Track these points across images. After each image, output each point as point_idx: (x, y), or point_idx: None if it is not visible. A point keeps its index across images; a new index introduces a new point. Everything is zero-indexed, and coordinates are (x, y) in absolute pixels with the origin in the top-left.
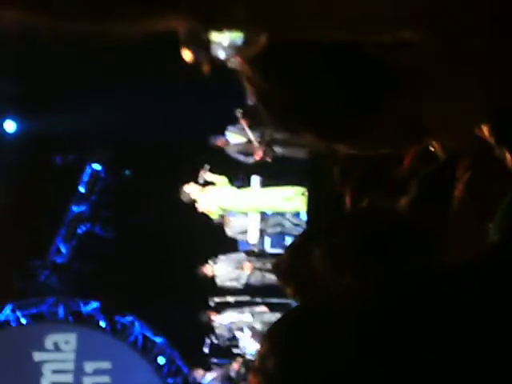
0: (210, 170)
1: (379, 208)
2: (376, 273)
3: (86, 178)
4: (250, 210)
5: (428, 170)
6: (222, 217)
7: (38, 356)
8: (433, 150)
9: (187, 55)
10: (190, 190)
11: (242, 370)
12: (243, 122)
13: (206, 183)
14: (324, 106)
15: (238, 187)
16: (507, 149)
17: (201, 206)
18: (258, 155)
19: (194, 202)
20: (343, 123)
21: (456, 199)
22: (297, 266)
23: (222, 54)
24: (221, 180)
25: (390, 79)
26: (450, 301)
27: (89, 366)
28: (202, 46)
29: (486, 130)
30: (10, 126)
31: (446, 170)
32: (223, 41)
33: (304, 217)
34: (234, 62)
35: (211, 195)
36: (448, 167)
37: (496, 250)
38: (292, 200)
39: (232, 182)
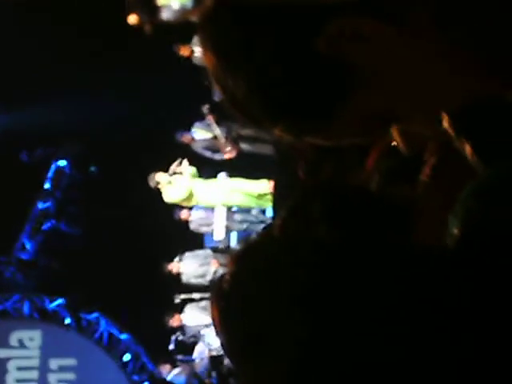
0: (180, 163)
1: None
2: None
3: (51, 174)
4: (217, 204)
5: (391, 162)
6: (188, 210)
7: (2, 353)
8: (395, 145)
9: (133, 19)
10: (159, 178)
11: (208, 367)
12: (210, 118)
13: (175, 173)
14: (287, 101)
15: (206, 178)
16: (467, 141)
17: (168, 196)
18: (225, 151)
19: (160, 191)
20: (307, 118)
21: (421, 183)
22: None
23: (169, 16)
24: (190, 171)
25: (346, 76)
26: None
27: (54, 363)
28: (148, 9)
29: (446, 121)
30: None
31: (410, 161)
32: (173, 4)
33: (270, 213)
34: (200, 58)
35: (179, 185)
36: (412, 160)
37: (455, 250)
38: (258, 196)
39: (200, 174)
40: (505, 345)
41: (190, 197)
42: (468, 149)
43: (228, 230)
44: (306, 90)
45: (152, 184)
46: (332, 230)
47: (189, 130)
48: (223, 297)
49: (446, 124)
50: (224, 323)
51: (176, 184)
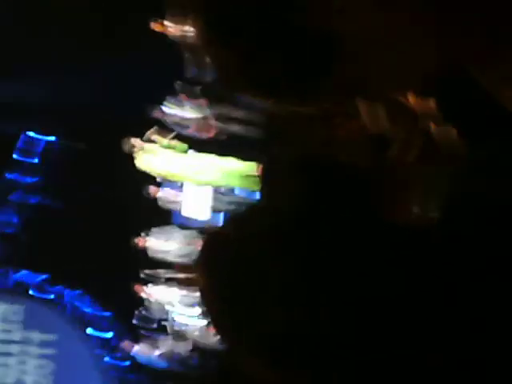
0: (156, 132)
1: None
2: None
3: (36, 148)
4: (187, 180)
5: (360, 138)
6: (157, 186)
7: None
8: (364, 122)
9: None
10: (135, 143)
11: (172, 343)
12: (183, 96)
13: (151, 141)
14: (274, 69)
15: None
16: (453, 125)
17: (140, 163)
18: (205, 131)
19: (134, 157)
20: (292, 85)
21: (390, 161)
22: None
23: None
24: (166, 141)
25: (330, 44)
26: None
27: (34, 337)
28: None
29: (432, 104)
30: None
31: (379, 139)
32: None
33: (254, 195)
34: (174, 34)
35: (153, 153)
36: (380, 137)
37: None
38: (243, 177)
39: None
40: (490, 314)
41: (163, 173)
42: (452, 130)
43: (214, 210)
44: (293, 61)
45: (126, 148)
46: (304, 201)
47: (163, 105)
48: (214, 261)
49: (431, 107)
50: (216, 283)
51: (149, 151)
